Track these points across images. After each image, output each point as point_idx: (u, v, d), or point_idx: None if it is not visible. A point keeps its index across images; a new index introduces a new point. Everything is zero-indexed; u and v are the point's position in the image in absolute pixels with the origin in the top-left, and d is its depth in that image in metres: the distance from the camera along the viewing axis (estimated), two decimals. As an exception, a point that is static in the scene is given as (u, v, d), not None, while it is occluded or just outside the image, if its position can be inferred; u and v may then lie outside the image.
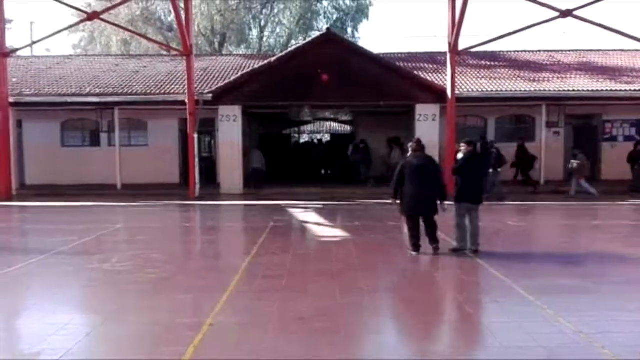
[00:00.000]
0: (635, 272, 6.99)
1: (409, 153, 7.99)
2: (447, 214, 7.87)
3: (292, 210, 13.09)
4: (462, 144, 8.07)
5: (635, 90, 16.91)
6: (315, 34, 27.61)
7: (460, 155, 8.22)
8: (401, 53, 21.99)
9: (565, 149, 19.01)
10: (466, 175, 7.80)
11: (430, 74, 18.53)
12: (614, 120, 18.82)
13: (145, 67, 20.45)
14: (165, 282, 6.43)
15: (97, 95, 17.28)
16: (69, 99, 17.20)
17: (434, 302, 6.00)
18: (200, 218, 13.05)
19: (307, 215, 12.43)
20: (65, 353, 4.20)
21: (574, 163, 15.49)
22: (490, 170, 13.91)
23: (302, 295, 5.73)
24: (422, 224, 7.81)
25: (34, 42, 20.39)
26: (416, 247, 7.70)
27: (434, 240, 7.73)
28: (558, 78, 18.28)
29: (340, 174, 20.16)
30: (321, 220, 11.73)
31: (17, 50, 19.14)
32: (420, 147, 7.88)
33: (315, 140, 30.33)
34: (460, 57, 17.20)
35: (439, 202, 7.66)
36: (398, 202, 7.78)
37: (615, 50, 21.59)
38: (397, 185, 7.66)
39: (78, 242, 8.87)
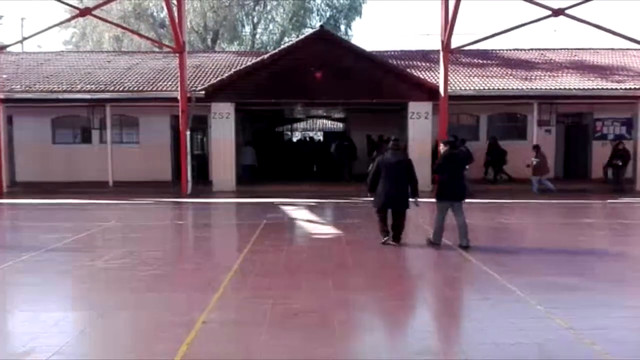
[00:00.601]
0: (625, 269, 7.06)
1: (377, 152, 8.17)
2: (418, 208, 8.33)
3: (284, 208, 13.09)
4: (441, 143, 8.40)
5: (625, 89, 17.02)
6: (308, 31, 27.63)
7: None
8: (394, 51, 22.02)
9: (557, 147, 19.18)
10: (446, 173, 8.07)
11: (423, 72, 18.57)
12: (605, 118, 18.97)
13: (137, 63, 20.32)
14: (158, 280, 6.42)
15: (89, 92, 17.15)
16: (60, 96, 17.05)
17: (426, 299, 6.02)
18: (193, 215, 13.01)
19: (300, 212, 12.43)
20: (58, 350, 4.18)
21: (534, 161, 15.74)
22: None
23: (295, 292, 5.74)
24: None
25: (24, 38, 20.24)
26: (385, 233, 8.24)
27: (397, 238, 8.23)
28: (549, 76, 18.37)
29: (324, 171, 20.35)
30: (314, 217, 11.74)
31: (7, 46, 18.99)
32: (397, 145, 8.36)
33: (307, 138, 30.44)
34: (452, 55, 17.26)
35: (411, 198, 8.16)
36: (372, 198, 8.37)
37: (605, 49, 21.71)
38: (373, 180, 8.18)
39: (70, 240, 8.82)
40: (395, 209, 8.18)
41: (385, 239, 8.24)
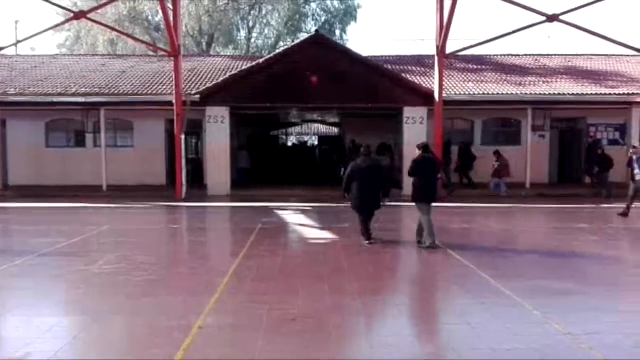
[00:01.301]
0: (619, 274, 7.09)
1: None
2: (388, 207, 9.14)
3: (279, 212, 13.07)
4: (416, 148, 8.90)
5: (619, 95, 17.14)
6: (303, 35, 27.68)
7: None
8: (389, 56, 22.05)
9: (551, 152, 19.26)
10: (421, 176, 8.50)
11: (417, 76, 18.62)
12: (599, 124, 19.06)
13: (132, 67, 20.26)
14: (154, 284, 6.38)
15: (83, 95, 17.05)
16: (54, 99, 16.95)
17: (421, 303, 6.03)
18: (188, 220, 12.96)
19: (295, 216, 12.42)
20: (52, 356, 4.15)
21: (495, 164, 16.34)
22: None
23: (292, 297, 5.72)
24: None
25: (18, 41, 20.10)
26: (368, 238, 8.75)
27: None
28: (544, 82, 18.45)
29: (317, 175, 20.54)
30: (309, 222, 11.72)
31: (1, 49, 18.87)
32: (368, 151, 9.01)
33: (300, 143, 30.58)
34: (447, 60, 17.31)
35: (383, 199, 8.82)
36: (349, 203, 9.04)
37: (599, 55, 21.86)
38: (348, 184, 8.86)
39: (64, 244, 8.76)
40: (368, 210, 8.83)
41: (366, 242, 8.70)
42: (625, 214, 11.80)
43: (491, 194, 16.03)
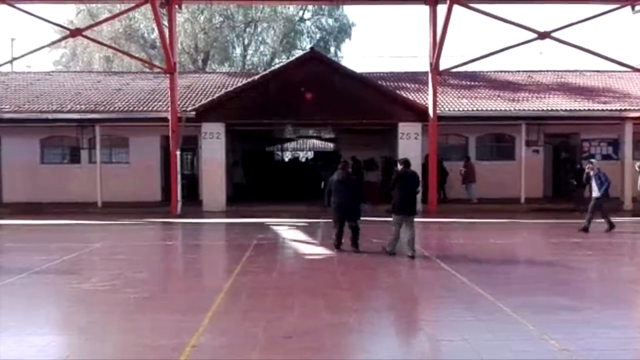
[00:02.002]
0: (615, 289, 7.09)
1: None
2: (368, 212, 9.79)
3: (275, 228, 13.03)
4: (398, 163, 9.44)
5: (611, 110, 17.30)
6: (298, 52, 27.84)
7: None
8: (383, 72, 22.19)
9: (545, 167, 19.35)
10: (398, 190, 8.91)
11: (412, 93, 18.74)
12: (592, 139, 19.19)
13: (127, 84, 20.30)
14: (147, 302, 6.33)
15: (78, 112, 17.06)
16: (50, 116, 16.96)
17: (418, 320, 6.00)
18: (182, 236, 12.91)
19: (290, 232, 12.38)
20: (44, 376, 4.09)
21: (462, 170, 17.22)
22: None
23: (287, 314, 5.68)
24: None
25: (14, 58, 20.15)
26: (338, 246, 9.45)
27: (354, 244, 9.33)
28: (537, 98, 18.60)
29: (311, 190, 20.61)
30: (304, 237, 11.69)
31: (-3, 66, 18.90)
32: (345, 165, 9.76)
33: (293, 158, 30.64)
34: (441, 76, 17.45)
35: (361, 207, 9.41)
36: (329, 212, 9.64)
37: (591, 71, 22.06)
38: (327, 196, 9.51)
39: (57, 261, 8.69)
40: (346, 220, 9.34)
41: (335, 250, 9.39)
42: (610, 228, 11.76)
43: (472, 208, 16.23)
